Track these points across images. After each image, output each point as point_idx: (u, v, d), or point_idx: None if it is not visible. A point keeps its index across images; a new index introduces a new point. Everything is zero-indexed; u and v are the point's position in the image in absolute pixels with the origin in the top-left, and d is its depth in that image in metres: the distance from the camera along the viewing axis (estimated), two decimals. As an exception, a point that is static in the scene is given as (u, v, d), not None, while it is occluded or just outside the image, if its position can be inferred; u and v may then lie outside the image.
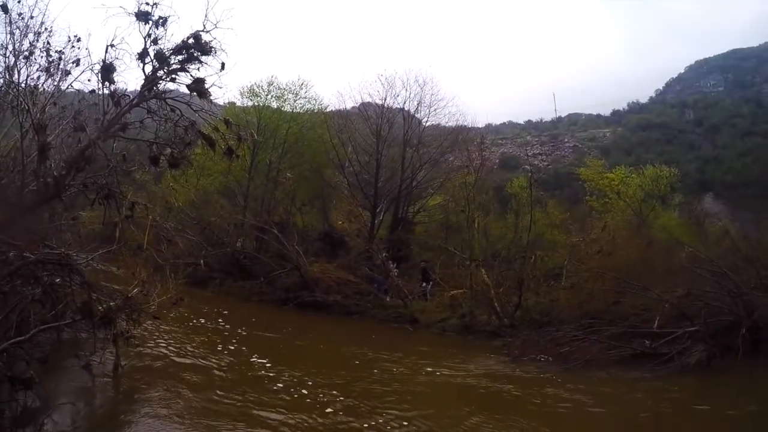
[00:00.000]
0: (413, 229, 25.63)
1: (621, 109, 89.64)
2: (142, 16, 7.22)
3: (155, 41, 7.21)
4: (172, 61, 6.97)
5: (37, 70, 9.43)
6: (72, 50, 9.40)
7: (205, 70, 7.06)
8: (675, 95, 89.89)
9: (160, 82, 7.04)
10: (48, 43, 9.58)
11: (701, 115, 72.95)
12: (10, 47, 9.34)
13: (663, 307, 13.30)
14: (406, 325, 17.25)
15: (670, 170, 28.12)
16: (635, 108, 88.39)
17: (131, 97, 7.04)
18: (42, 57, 9.56)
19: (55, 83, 9.18)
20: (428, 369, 11.83)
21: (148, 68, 7.02)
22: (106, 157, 6.95)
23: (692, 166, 55.83)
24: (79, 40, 9.17)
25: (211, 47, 6.85)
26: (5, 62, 9.23)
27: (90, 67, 7.79)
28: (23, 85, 8.73)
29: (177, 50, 6.95)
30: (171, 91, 7.25)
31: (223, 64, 6.94)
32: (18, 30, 9.39)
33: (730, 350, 11.49)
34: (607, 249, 18.10)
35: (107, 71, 6.84)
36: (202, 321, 14.82)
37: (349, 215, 24.67)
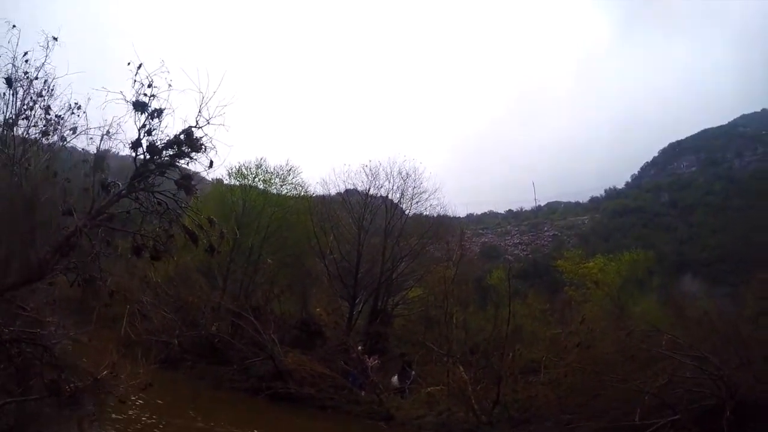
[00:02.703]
0: (392, 322, 25.37)
1: (599, 195, 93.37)
2: (140, 107, 7.65)
3: (149, 132, 7.67)
4: (163, 155, 7.36)
5: (34, 133, 9.79)
6: (71, 117, 9.85)
7: (194, 165, 7.47)
8: (650, 179, 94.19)
9: (150, 175, 7.37)
10: (48, 106, 10.03)
11: (676, 196, 76.13)
12: (10, 107, 9.70)
13: (644, 398, 13.19)
14: (381, 422, 16.62)
15: (646, 254, 28.87)
16: (612, 194, 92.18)
17: (120, 186, 7.36)
18: (41, 120, 9.98)
19: (51, 145, 9.50)
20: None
21: (140, 159, 7.43)
22: (91, 243, 7.13)
23: (669, 247, 57.43)
24: (79, 107, 9.61)
25: (202, 144, 7.30)
26: (4, 118, 9.58)
27: (85, 131, 8.16)
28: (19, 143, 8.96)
29: (169, 144, 7.39)
30: (159, 183, 7.59)
31: (211, 162, 7.38)
32: (21, 88, 9.83)
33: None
34: (585, 342, 18.08)
35: (100, 161, 7.24)
36: (169, 408, 14.15)
37: (328, 306, 24.47)
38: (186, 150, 7.29)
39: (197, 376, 19.08)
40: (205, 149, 7.30)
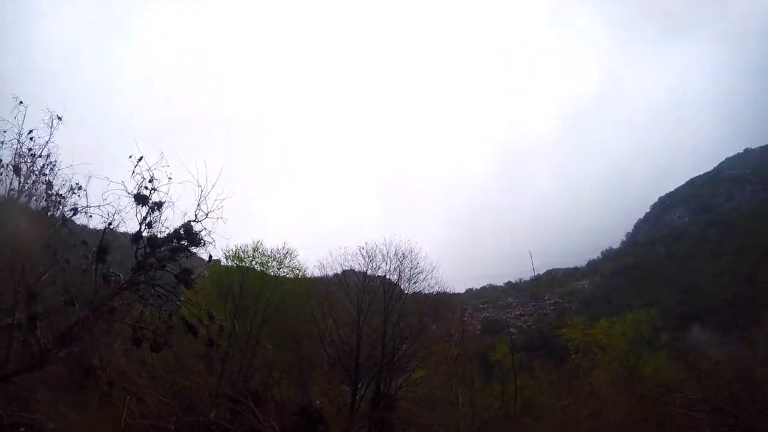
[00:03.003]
0: (396, 405, 24.50)
1: (595, 257, 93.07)
2: (140, 200, 8.06)
3: (150, 225, 8.03)
4: (163, 248, 7.69)
5: (36, 208, 10.06)
6: (72, 197, 10.21)
7: (193, 259, 7.77)
8: (644, 235, 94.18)
9: (150, 269, 7.64)
10: (50, 182, 10.39)
11: (672, 248, 75.73)
12: (15, 181, 10.05)
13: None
14: None
15: (649, 313, 28.54)
16: (609, 255, 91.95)
17: (122, 279, 7.63)
18: (42, 196, 10.31)
19: (51, 220, 9.75)
20: None
21: (140, 251, 7.75)
22: (92, 333, 7.28)
23: (672, 300, 56.25)
24: (80, 188, 10.00)
25: (201, 239, 7.67)
26: (8, 190, 9.87)
27: (85, 210, 8.41)
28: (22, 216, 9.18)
29: (169, 238, 7.75)
30: (159, 276, 7.85)
31: (210, 257, 7.73)
32: (25, 165, 10.22)
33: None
34: (596, 411, 17.65)
35: (102, 252, 7.55)
36: None
37: (329, 391, 23.73)
38: (185, 244, 7.61)
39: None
40: (204, 243, 7.65)
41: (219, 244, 7.95)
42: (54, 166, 11.01)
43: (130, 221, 8.09)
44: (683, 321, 46.18)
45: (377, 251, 26.96)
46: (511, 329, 50.89)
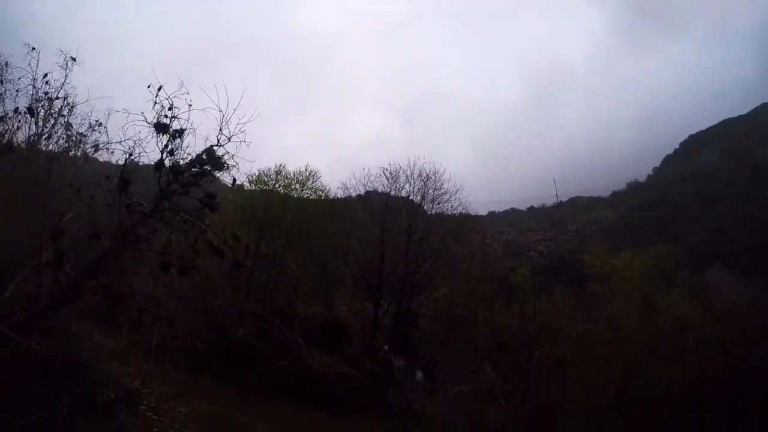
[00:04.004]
0: (417, 322, 25.37)
1: (620, 189, 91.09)
2: (161, 128, 7.82)
3: (171, 152, 7.84)
4: (186, 174, 7.52)
5: (57, 144, 10.10)
6: (92, 134, 10.13)
7: (218, 183, 7.59)
8: (672, 171, 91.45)
9: (174, 195, 7.52)
10: (69, 123, 10.33)
11: (700, 188, 73.74)
12: (33, 126, 10.02)
13: (673, 395, 12.93)
14: (409, 423, 16.68)
15: (673, 247, 28.17)
16: (634, 187, 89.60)
17: (146, 207, 7.55)
18: (63, 138, 10.29)
19: (74, 160, 9.78)
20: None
21: (163, 179, 7.60)
22: (119, 264, 7.34)
23: (696, 239, 55.66)
24: (100, 124, 9.88)
25: (224, 163, 7.45)
26: (27, 135, 9.90)
27: (106, 146, 8.34)
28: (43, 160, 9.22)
29: (191, 164, 7.56)
30: (184, 201, 7.74)
31: (234, 180, 7.53)
32: (42, 109, 10.14)
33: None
34: (613, 338, 17.84)
35: (124, 183, 7.43)
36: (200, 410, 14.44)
37: (352, 308, 24.56)
38: (209, 169, 7.43)
39: (224, 380, 19.26)
40: (228, 167, 7.44)
41: (242, 168, 7.75)
42: (72, 107, 10.80)
43: (152, 152, 7.90)
44: (704, 261, 45.69)
45: (401, 172, 26.72)
46: (532, 253, 51.07)
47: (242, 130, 7.58)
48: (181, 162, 7.55)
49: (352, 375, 18.56)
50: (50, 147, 10.44)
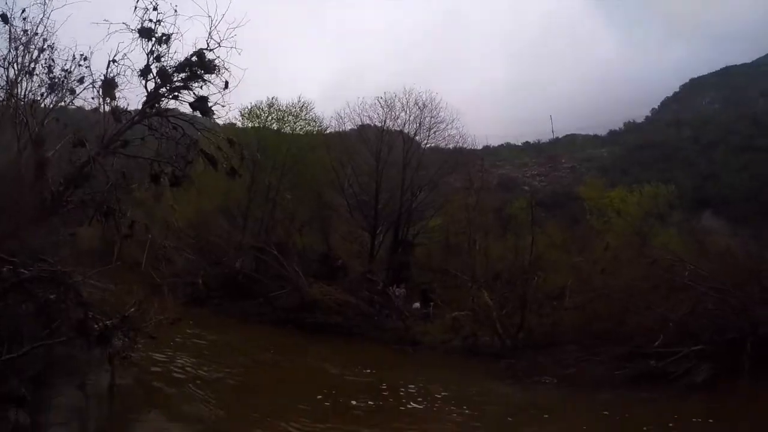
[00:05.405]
0: (413, 251, 25.47)
1: (617, 129, 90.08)
2: (145, 33, 7.22)
3: (158, 58, 7.19)
4: (174, 79, 6.93)
5: (39, 86, 9.36)
6: (77, 69, 9.33)
7: (208, 88, 7.01)
8: (671, 114, 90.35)
9: (163, 99, 6.97)
10: (51, 60, 9.52)
11: (698, 132, 73.01)
12: (12, 61, 9.24)
13: (668, 326, 13.10)
14: (408, 347, 17.00)
15: (668, 188, 28.14)
16: (631, 128, 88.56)
17: (133, 113, 6.98)
18: (44, 74, 9.51)
19: (57, 99, 9.08)
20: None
21: (151, 85, 7.01)
22: (105, 174, 6.83)
23: (690, 183, 55.62)
24: (85, 59, 9.09)
25: (215, 65, 6.83)
26: (6, 76, 9.14)
27: (92, 83, 7.73)
28: (24, 100, 8.63)
29: (180, 67, 6.94)
30: (173, 108, 7.19)
31: (226, 83, 6.95)
32: (21, 46, 9.32)
33: (736, 368, 11.28)
34: (609, 268, 17.92)
35: (109, 87, 6.83)
36: (199, 341, 14.55)
37: (349, 237, 24.49)
38: (199, 72, 6.81)
39: (223, 312, 19.39)
40: (219, 70, 6.82)
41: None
42: (53, 46, 9.82)
43: (138, 62, 7.22)
44: (697, 205, 45.87)
45: (396, 100, 25.90)
46: (525, 187, 50.96)
47: (233, 35, 6.93)
48: (169, 69, 6.91)
49: (351, 302, 18.70)
50: (32, 82, 9.55)
